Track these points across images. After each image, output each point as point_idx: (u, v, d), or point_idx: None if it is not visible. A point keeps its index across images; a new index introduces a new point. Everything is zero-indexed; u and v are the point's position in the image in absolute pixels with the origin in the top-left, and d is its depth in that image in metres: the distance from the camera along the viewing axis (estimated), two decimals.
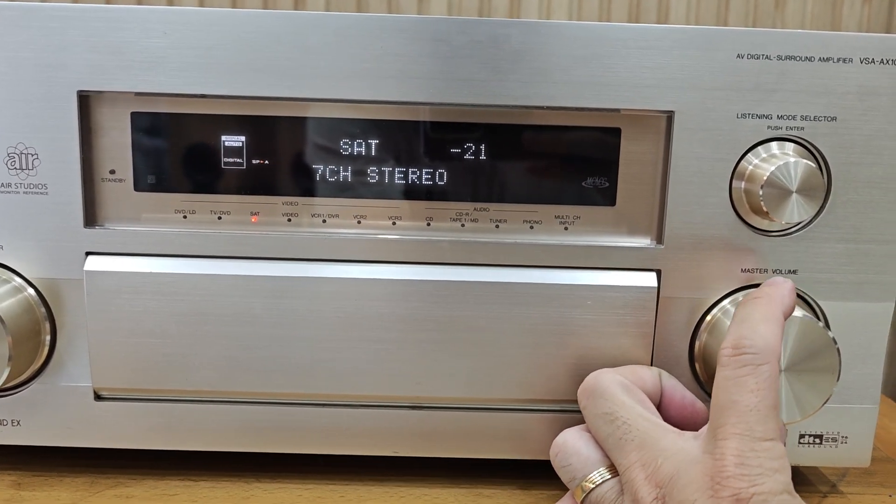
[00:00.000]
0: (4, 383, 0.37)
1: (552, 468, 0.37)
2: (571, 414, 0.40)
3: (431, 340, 0.39)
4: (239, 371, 0.39)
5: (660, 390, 0.37)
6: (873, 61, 0.37)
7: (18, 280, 0.39)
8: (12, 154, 0.38)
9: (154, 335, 0.39)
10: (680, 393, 0.37)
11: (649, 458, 0.32)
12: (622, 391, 0.35)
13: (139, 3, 0.89)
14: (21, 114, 0.37)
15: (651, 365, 0.39)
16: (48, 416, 0.40)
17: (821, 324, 0.37)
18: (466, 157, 0.39)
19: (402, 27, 0.37)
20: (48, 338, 0.39)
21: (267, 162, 0.39)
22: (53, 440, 0.40)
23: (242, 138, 0.39)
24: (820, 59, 0.37)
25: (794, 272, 0.39)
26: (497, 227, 0.40)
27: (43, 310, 0.39)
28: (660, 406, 0.37)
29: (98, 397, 0.40)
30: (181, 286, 0.38)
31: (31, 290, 0.39)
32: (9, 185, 0.38)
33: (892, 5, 0.96)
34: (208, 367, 0.39)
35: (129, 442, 0.40)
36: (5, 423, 0.40)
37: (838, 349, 0.37)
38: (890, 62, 0.37)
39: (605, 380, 0.36)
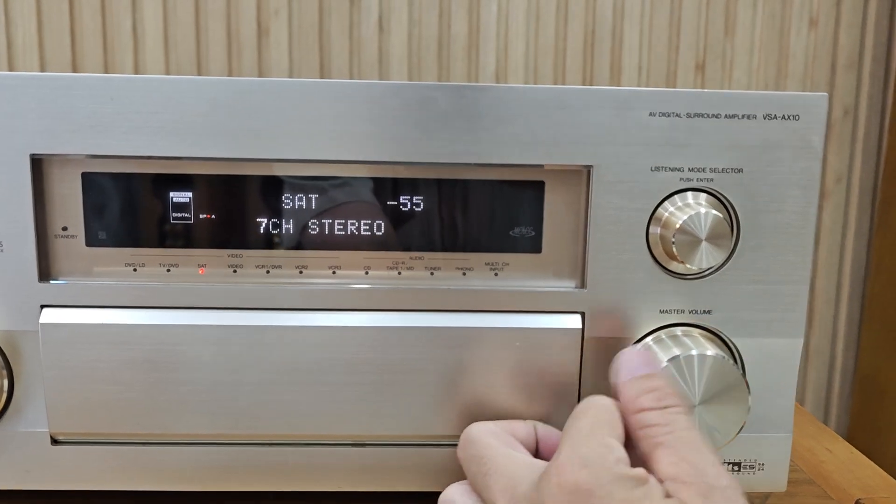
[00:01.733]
0: None
1: None
2: None
3: (371, 382, 0.41)
4: (188, 414, 0.41)
5: (535, 439, 0.40)
6: (775, 117, 0.40)
7: None
8: None
9: (108, 382, 0.41)
10: (555, 439, 0.39)
11: (507, 486, 0.34)
12: (491, 437, 0.38)
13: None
14: None
15: (578, 401, 0.42)
16: (6, 460, 0.42)
17: (729, 361, 0.40)
18: (402, 209, 0.41)
19: (337, 92, 0.39)
20: (6, 386, 0.41)
21: (213, 216, 0.41)
22: (12, 483, 0.42)
23: (189, 195, 0.41)
24: (726, 115, 0.40)
25: (709, 312, 0.42)
26: (432, 274, 0.42)
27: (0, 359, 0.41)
28: (538, 453, 0.40)
29: (55, 441, 0.42)
30: (132, 335, 0.41)
31: None
32: None
33: (837, 31, 1.00)
34: (160, 411, 0.41)
35: (86, 483, 0.42)
36: None
37: (747, 383, 0.40)
38: (790, 118, 0.40)
39: (477, 429, 0.39)
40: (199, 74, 0.95)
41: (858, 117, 1.01)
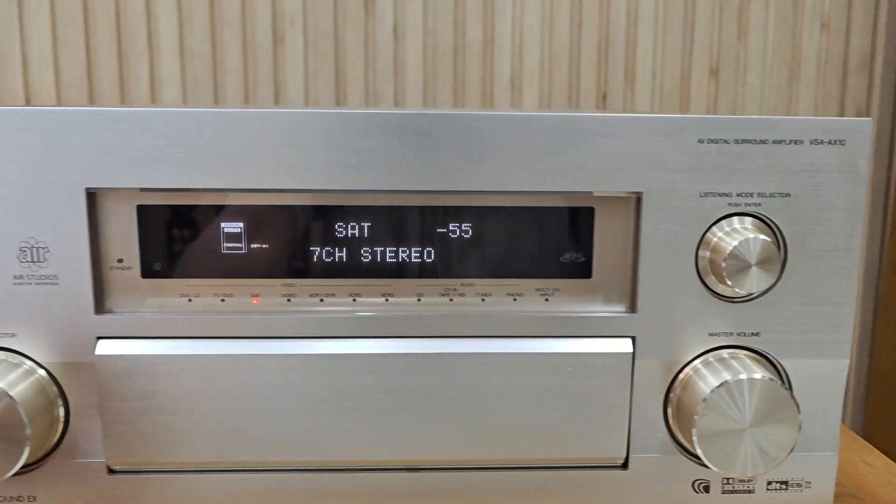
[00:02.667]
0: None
1: None
2: (556, 471, 0.43)
3: (423, 408, 0.42)
4: (243, 442, 0.42)
5: None
6: (822, 142, 0.41)
7: (29, 363, 0.41)
8: (24, 248, 0.40)
9: (164, 412, 0.41)
10: None
11: None
12: None
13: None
14: (31, 210, 0.40)
15: (629, 426, 0.42)
16: (63, 490, 0.42)
17: (780, 383, 0.40)
18: (453, 237, 0.42)
19: (385, 122, 0.40)
20: (62, 417, 0.42)
21: (266, 246, 0.42)
22: None
23: (241, 225, 0.41)
24: (773, 141, 0.40)
25: (757, 334, 0.42)
26: (483, 300, 0.43)
27: (55, 389, 0.42)
28: None
29: (111, 471, 0.42)
30: (188, 366, 0.41)
31: (42, 372, 0.41)
32: (21, 276, 0.40)
33: (848, 34, 1.01)
34: (214, 439, 0.42)
35: None
36: (22, 499, 0.42)
37: (797, 404, 0.40)
38: (836, 142, 0.41)
39: None
40: (216, 84, 0.95)
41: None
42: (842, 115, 1.02)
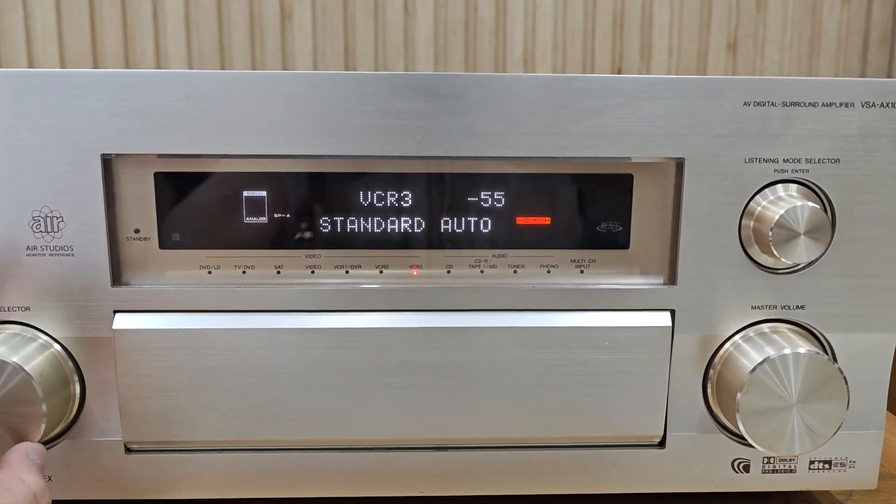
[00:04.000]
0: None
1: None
2: (591, 449, 0.41)
3: (455, 384, 0.40)
4: (267, 420, 0.40)
5: None
6: (874, 105, 0.39)
7: (44, 337, 0.39)
8: (37, 217, 0.38)
9: (183, 389, 0.40)
10: None
11: None
12: None
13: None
14: (45, 178, 0.38)
15: (667, 401, 0.41)
16: (79, 470, 0.41)
17: (827, 357, 0.39)
18: (485, 206, 0.40)
19: (419, 84, 0.38)
20: (77, 394, 0.40)
21: (288, 216, 0.40)
22: (86, 494, 0.41)
23: (263, 193, 0.40)
24: (822, 104, 0.39)
25: (802, 307, 0.41)
26: (515, 272, 0.41)
27: (71, 365, 0.40)
28: None
29: (129, 450, 0.41)
30: (208, 341, 0.39)
31: (57, 347, 0.40)
32: (34, 247, 0.38)
33: (870, 6, 0.98)
34: (237, 417, 0.40)
35: (161, 492, 0.41)
36: None
37: (845, 379, 0.39)
38: (889, 105, 0.39)
39: None
40: (222, 59, 0.93)
41: None
42: None
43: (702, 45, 0.98)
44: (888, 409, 0.47)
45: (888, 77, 0.99)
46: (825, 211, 0.39)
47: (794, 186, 0.40)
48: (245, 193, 0.39)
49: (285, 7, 0.92)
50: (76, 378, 0.40)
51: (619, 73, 0.97)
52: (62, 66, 0.90)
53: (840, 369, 0.39)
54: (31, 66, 0.89)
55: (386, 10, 0.93)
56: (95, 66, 0.90)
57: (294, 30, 0.93)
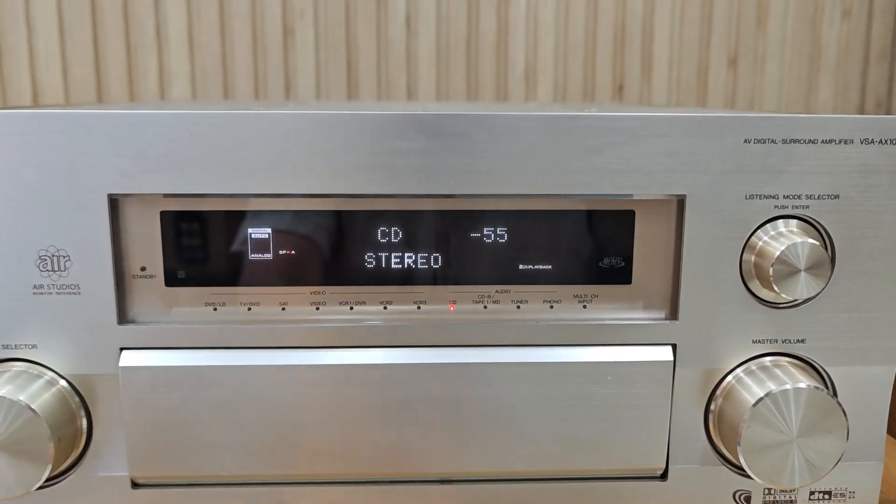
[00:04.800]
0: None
1: None
2: (594, 482, 0.42)
3: (459, 420, 0.40)
4: (270, 455, 0.40)
5: None
6: (873, 141, 0.39)
7: (50, 374, 0.40)
8: (44, 257, 0.38)
9: (189, 424, 0.40)
10: None
11: None
12: None
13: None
14: (51, 217, 0.38)
15: (669, 435, 0.41)
16: None
17: (826, 391, 0.39)
18: (488, 241, 0.40)
19: (422, 123, 0.38)
20: (84, 430, 0.40)
21: (293, 252, 0.40)
22: None
23: (268, 231, 0.40)
24: (822, 140, 0.39)
25: (803, 341, 0.41)
26: (518, 307, 0.41)
27: (77, 401, 0.40)
28: None
29: (135, 485, 0.41)
30: (214, 377, 0.40)
31: (64, 384, 0.40)
32: (41, 286, 0.39)
33: (870, 21, 0.99)
34: (241, 452, 0.40)
35: None
36: None
37: (845, 413, 0.39)
38: (888, 142, 0.39)
39: None
40: (225, 77, 0.93)
41: (892, 109, 1.00)
42: (862, 106, 1.00)
43: (702, 61, 0.98)
44: (888, 432, 0.47)
45: (889, 92, 0.99)
46: (825, 247, 0.40)
47: (794, 222, 0.40)
48: (250, 231, 0.40)
49: (287, 24, 0.93)
50: (83, 413, 0.40)
51: (621, 88, 0.97)
52: (65, 84, 0.90)
53: (839, 403, 0.39)
54: (33, 83, 0.90)
55: (388, 28, 0.94)
56: (98, 85, 0.90)
57: (296, 47, 0.93)
